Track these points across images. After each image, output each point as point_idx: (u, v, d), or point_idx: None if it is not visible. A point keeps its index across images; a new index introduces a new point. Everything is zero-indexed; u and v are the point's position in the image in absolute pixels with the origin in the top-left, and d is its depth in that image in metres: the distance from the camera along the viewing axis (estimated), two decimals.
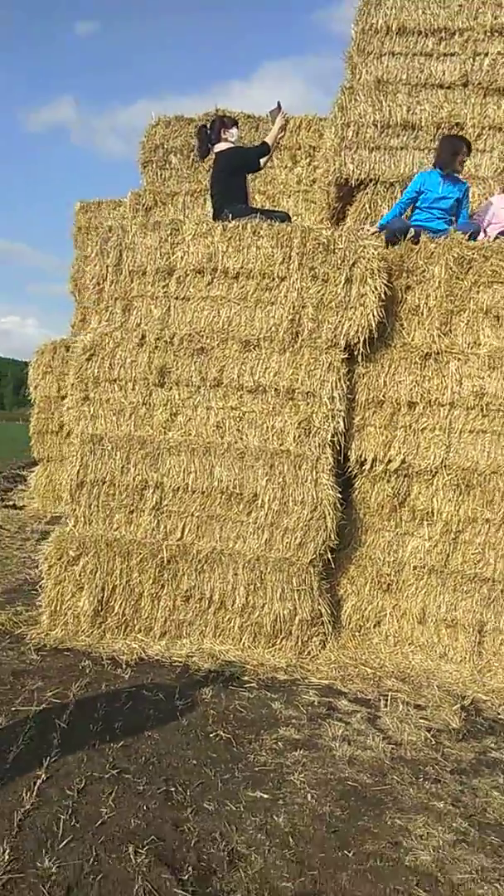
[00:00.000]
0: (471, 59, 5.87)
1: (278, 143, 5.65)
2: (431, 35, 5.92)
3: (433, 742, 3.72)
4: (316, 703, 4.12)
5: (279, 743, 3.58)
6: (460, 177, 5.39)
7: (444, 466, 4.97)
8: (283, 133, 5.64)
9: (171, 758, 3.33)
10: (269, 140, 5.52)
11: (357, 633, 5.06)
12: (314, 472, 4.91)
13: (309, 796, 3.08)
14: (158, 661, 4.63)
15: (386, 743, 3.65)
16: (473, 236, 5.12)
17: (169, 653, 4.78)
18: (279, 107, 5.51)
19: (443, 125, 5.90)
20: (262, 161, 5.54)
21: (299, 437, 4.96)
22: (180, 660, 4.67)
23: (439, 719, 4.03)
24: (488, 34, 5.84)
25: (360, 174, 5.88)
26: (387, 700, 4.17)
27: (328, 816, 2.93)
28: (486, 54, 5.85)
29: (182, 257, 5.03)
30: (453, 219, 5.29)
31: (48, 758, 3.17)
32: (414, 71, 5.94)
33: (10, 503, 10.69)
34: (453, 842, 2.81)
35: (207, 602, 4.98)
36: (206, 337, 5.04)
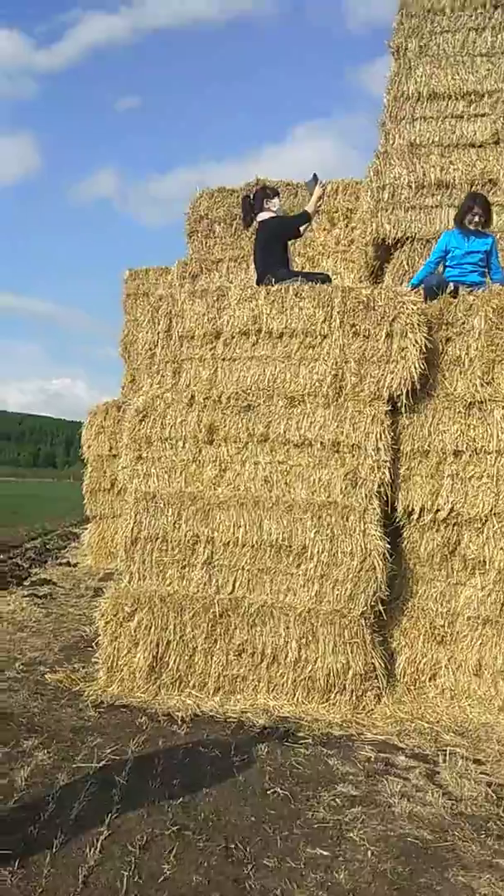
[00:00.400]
0: (501, 118, 6.07)
1: (318, 211, 5.92)
2: (462, 98, 6.18)
3: (494, 797, 3.64)
4: (373, 759, 4.08)
5: (337, 799, 3.55)
6: (487, 231, 5.53)
7: (494, 514, 4.96)
8: (321, 202, 5.91)
9: (230, 815, 3.34)
10: (308, 209, 5.78)
11: (412, 687, 5.00)
12: (362, 523, 4.96)
13: (369, 853, 3.05)
14: (213, 717, 4.66)
15: (446, 799, 3.58)
16: None
17: (223, 708, 4.80)
18: (315, 178, 5.78)
19: (476, 182, 6.09)
20: (301, 229, 5.80)
21: (346, 488, 5.03)
22: (235, 715, 4.69)
23: (500, 774, 3.94)
24: None
25: (396, 233, 6.09)
26: (445, 755, 4.10)
27: (389, 873, 2.90)
28: None
29: (228, 321, 5.25)
30: (486, 270, 5.41)
31: (110, 814, 3.22)
32: (446, 132, 6.18)
33: (65, 560, 10.93)
34: None
35: (260, 656, 5.00)
36: (253, 395, 5.21)
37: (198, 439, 5.28)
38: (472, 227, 5.39)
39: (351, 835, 3.20)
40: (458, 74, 6.12)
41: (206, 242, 8.60)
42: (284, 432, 5.16)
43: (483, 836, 3.24)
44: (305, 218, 5.76)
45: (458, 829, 3.29)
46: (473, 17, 6.14)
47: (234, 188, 8.57)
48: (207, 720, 4.59)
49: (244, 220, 6.04)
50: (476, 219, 5.38)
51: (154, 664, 5.06)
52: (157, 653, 5.06)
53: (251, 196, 5.97)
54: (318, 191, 5.73)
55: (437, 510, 5.07)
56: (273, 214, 5.85)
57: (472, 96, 6.09)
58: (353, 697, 4.86)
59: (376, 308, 5.01)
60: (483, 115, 6.07)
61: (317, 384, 5.11)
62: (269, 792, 3.58)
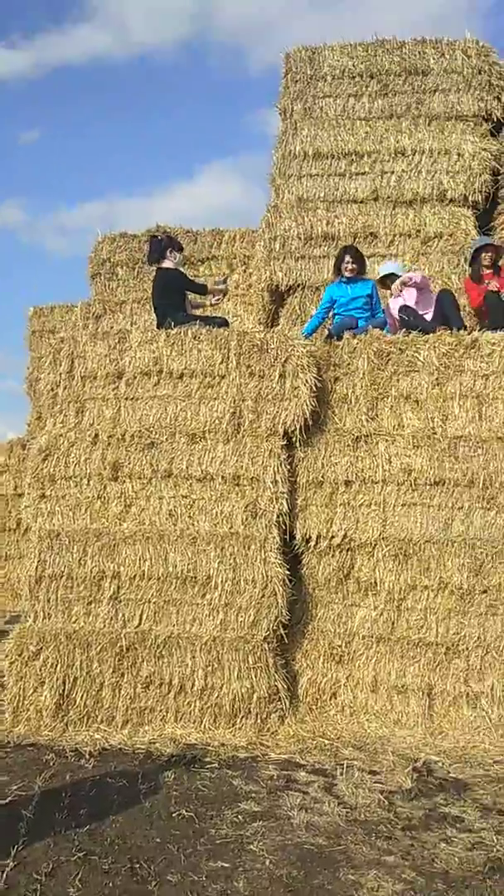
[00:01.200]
0: (379, 177, 6.66)
1: (213, 293, 6.37)
2: (343, 158, 6.74)
3: (386, 803, 3.92)
4: (275, 777, 4.28)
5: (239, 816, 3.73)
6: (364, 277, 6.03)
7: (383, 539, 5.34)
8: (218, 297, 6.37)
9: (136, 837, 3.45)
10: (207, 289, 6.25)
11: (314, 706, 5.26)
12: (263, 552, 5.23)
13: (268, 861, 3.24)
14: (121, 749, 4.75)
15: (341, 807, 3.83)
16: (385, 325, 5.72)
17: (132, 741, 4.89)
18: (225, 281, 6.29)
19: (358, 235, 6.63)
20: (191, 295, 6.21)
21: (247, 519, 5.29)
22: (143, 747, 4.79)
23: (393, 782, 4.23)
24: (392, 155, 6.66)
25: (288, 281, 6.54)
26: (343, 768, 4.36)
27: (286, 878, 3.10)
28: (392, 172, 6.66)
29: (130, 362, 5.48)
30: (371, 314, 5.89)
31: (15, 847, 3.27)
32: (330, 189, 6.72)
33: None
34: (402, 891, 3.00)
35: (167, 687, 5.14)
36: (156, 432, 5.43)
37: (102, 476, 5.43)
38: (348, 275, 5.88)
39: (251, 847, 3.38)
40: (340, 136, 6.69)
41: (109, 284, 8.84)
42: (187, 468, 5.39)
43: (373, 838, 3.50)
44: (201, 291, 6.24)
45: (351, 833, 3.54)
46: (352, 85, 6.76)
47: (135, 233, 8.88)
48: (116, 753, 4.68)
49: (150, 256, 6.30)
50: (350, 266, 5.87)
51: (61, 701, 5.10)
52: (64, 690, 5.12)
53: (160, 237, 6.27)
54: (222, 287, 6.18)
55: (332, 537, 5.41)
56: (173, 266, 6.17)
57: (353, 156, 6.67)
58: (258, 720, 5.06)
59: (269, 350, 5.36)
60: (363, 174, 6.65)
61: (216, 421, 5.39)
62: (174, 814, 3.72)
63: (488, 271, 6.09)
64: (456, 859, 3.30)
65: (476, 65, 6.59)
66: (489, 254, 6.06)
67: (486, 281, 6.02)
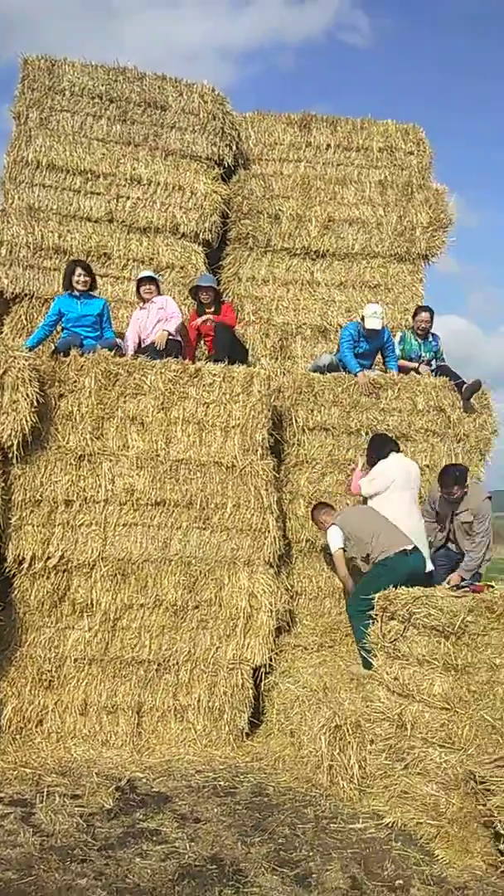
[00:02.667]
0: (115, 200, 6.73)
1: None
2: (79, 175, 6.69)
3: (85, 826, 3.88)
4: None
5: None
6: (96, 294, 6.06)
7: (102, 559, 5.33)
8: None
9: None
10: None
11: (18, 736, 5.03)
12: None
13: None
14: None
15: (37, 836, 3.71)
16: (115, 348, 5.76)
17: None
18: None
19: (91, 253, 6.63)
20: None
21: None
22: None
23: (94, 803, 4.21)
24: (128, 181, 6.79)
25: (14, 289, 6.29)
26: (43, 796, 4.23)
27: None
28: (128, 198, 6.77)
29: None
30: (100, 333, 5.91)
31: None
32: (64, 203, 6.63)
33: None
34: None
35: None
36: None
37: None
38: (79, 288, 5.82)
39: None
40: (76, 152, 6.63)
41: None
42: None
43: (68, 862, 3.44)
44: None
45: (45, 862, 3.44)
46: (91, 105, 6.75)
47: None
48: None
49: None
50: (82, 279, 5.84)
51: None
52: None
53: None
54: None
55: (48, 557, 5.26)
56: None
57: (89, 175, 6.65)
58: None
59: None
60: (98, 194, 6.66)
61: None
62: None
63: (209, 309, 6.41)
64: (149, 871, 3.39)
65: (211, 110, 6.99)
66: (205, 293, 6.40)
67: (207, 315, 6.36)
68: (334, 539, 5.46)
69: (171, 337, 6.04)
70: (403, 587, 4.33)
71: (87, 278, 5.88)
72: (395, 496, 5.60)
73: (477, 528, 5.53)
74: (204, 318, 6.36)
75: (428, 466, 6.32)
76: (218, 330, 6.27)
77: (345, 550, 5.45)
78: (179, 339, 6.21)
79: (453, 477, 5.46)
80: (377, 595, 4.36)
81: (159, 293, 6.28)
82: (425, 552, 5.49)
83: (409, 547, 5.21)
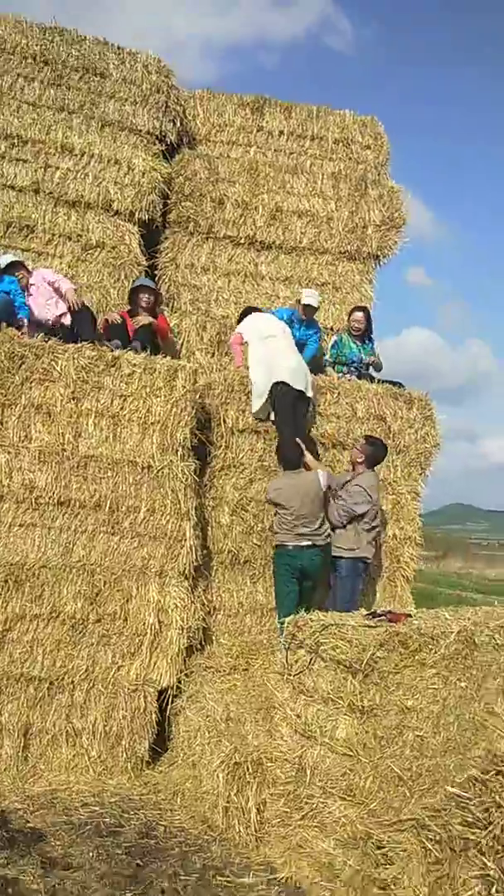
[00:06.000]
0: (42, 170, 6.18)
1: None
2: (4, 139, 6.12)
3: None
4: None
5: None
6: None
7: None
8: None
9: None
10: None
11: None
12: None
13: None
14: None
15: None
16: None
17: None
18: None
19: (13, 224, 6.06)
20: None
21: None
22: None
23: None
24: (59, 150, 6.24)
25: None
26: None
27: None
28: (57, 168, 6.22)
29: None
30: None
31: None
32: None
33: None
34: None
35: None
36: None
37: None
38: None
39: None
40: (3, 114, 6.04)
41: None
42: None
43: None
44: None
45: None
46: (23, 65, 6.18)
47: None
48: None
49: None
50: None
51: None
52: None
53: None
54: None
55: None
56: None
57: (15, 140, 6.08)
58: None
59: None
60: (25, 161, 6.10)
61: None
62: None
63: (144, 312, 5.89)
64: None
65: (155, 81, 6.48)
66: (146, 295, 5.91)
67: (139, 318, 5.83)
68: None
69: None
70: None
71: None
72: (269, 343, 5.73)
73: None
74: (139, 319, 5.79)
75: None
76: (139, 331, 5.74)
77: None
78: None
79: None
80: (286, 620, 3.92)
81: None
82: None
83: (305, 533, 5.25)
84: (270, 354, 5.71)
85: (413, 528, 6.03)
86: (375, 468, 5.67)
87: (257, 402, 5.62)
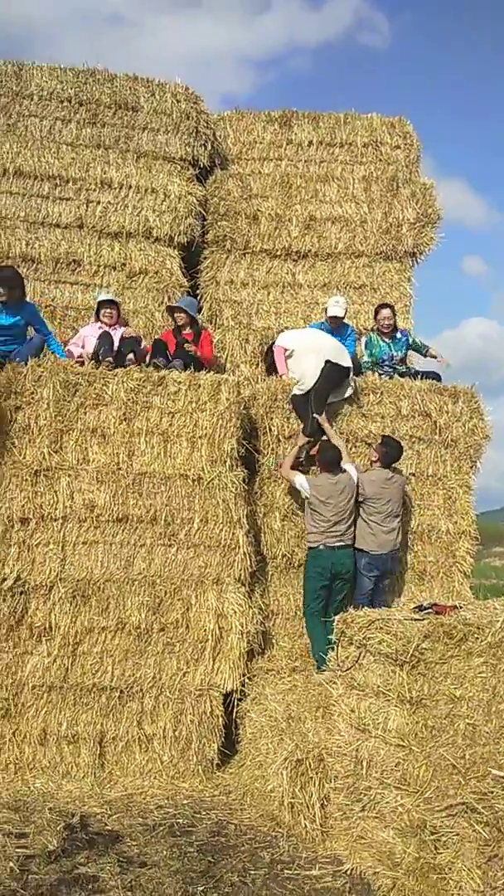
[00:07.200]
0: (84, 205, 6.52)
1: None
2: (47, 180, 6.49)
3: (18, 872, 3.59)
4: None
5: None
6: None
7: (60, 580, 5.07)
8: None
9: None
10: None
11: None
12: None
13: None
14: None
15: None
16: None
17: None
18: None
19: (61, 260, 6.41)
20: None
21: None
22: None
23: (38, 844, 3.92)
24: (98, 185, 6.57)
25: None
26: None
27: None
28: (98, 202, 6.55)
29: None
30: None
31: None
32: (32, 210, 6.43)
33: None
34: None
35: None
36: None
37: None
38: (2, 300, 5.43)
39: None
40: (45, 157, 6.43)
41: None
42: None
43: None
44: None
45: None
46: (60, 109, 6.56)
47: None
48: None
49: None
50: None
51: None
52: None
53: None
54: None
55: (4, 579, 5.01)
56: None
57: (58, 180, 6.45)
58: None
59: None
60: (67, 199, 6.45)
61: None
62: None
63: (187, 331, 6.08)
64: None
65: (184, 109, 6.75)
66: (181, 314, 6.09)
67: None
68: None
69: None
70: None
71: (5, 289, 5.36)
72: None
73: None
74: (185, 345, 6.01)
75: (413, 474, 5.98)
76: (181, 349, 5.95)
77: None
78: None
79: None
80: (337, 618, 4.02)
81: (120, 316, 6.09)
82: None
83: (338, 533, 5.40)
84: (318, 343, 5.92)
85: (467, 523, 6.01)
86: (393, 466, 5.76)
87: (309, 383, 5.75)
